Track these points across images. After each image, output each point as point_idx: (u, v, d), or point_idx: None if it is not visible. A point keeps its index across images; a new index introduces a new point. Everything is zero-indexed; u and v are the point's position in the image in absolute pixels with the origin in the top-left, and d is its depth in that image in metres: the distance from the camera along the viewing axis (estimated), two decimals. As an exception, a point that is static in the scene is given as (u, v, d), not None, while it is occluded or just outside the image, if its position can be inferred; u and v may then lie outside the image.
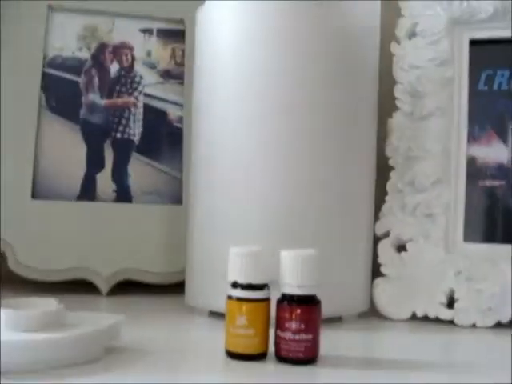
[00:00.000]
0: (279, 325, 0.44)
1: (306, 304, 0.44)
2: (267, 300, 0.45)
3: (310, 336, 0.44)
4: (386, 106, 0.69)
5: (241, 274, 0.44)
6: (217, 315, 0.57)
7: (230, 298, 0.45)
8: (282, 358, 0.44)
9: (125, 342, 0.47)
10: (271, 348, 0.45)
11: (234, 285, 0.45)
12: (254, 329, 0.44)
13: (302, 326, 0.44)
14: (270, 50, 0.57)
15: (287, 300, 0.44)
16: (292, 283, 0.44)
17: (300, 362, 0.44)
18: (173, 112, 0.76)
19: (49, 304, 0.44)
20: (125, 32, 0.76)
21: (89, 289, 0.70)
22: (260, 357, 0.45)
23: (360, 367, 0.46)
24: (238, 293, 0.45)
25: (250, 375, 0.43)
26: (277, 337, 0.45)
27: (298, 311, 0.44)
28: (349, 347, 0.52)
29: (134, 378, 0.41)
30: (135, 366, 0.43)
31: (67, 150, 0.73)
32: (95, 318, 0.46)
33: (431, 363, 0.48)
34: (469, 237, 0.63)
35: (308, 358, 0.44)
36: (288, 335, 0.44)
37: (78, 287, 0.70)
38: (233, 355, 0.45)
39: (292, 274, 0.44)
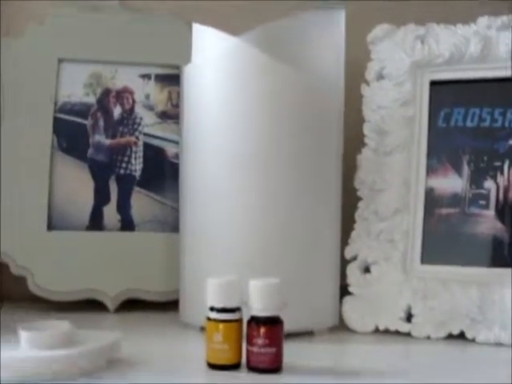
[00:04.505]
0: (248, 340, 0.54)
1: (270, 324, 0.54)
2: (239, 320, 0.55)
3: (273, 349, 0.53)
4: (358, 141, 0.78)
5: (216, 299, 0.54)
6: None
7: (208, 319, 0.55)
8: (251, 368, 0.54)
9: (126, 355, 0.57)
10: (244, 359, 0.55)
11: (212, 308, 0.55)
12: (228, 344, 0.54)
13: (267, 342, 0.53)
14: (243, 104, 0.67)
15: (255, 320, 0.54)
16: (258, 307, 0.54)
17: (266, 370, 0.53)
18: (170, 149, 0.85)
19: (62, 325, 0.55)
20: (126, 78, 0.86)
21: (98, 307, 0.80)
22: (234, 367, 0.54)
23: (321, 374, 0.55)
24: (215, 315, 0.54)
25: (225, 381, 0.52)
26: (247, 350, 0.54)
27: (263, 330, 0.53)
28: (317, 357, 0.61)
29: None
30: (132, 374, 0.53)
31: (77, 185, 0.83)
32: (100, 336, 0.56)
33: (390, 370, 0.57)
34: (425, 260, 0.71)
35: (272, 367, 0.54)
36: (255, 349, 0.53)
37: (89, 306, 0.80)
38: (212, 366, 0.55)
39: (258, 300, 0.54)
